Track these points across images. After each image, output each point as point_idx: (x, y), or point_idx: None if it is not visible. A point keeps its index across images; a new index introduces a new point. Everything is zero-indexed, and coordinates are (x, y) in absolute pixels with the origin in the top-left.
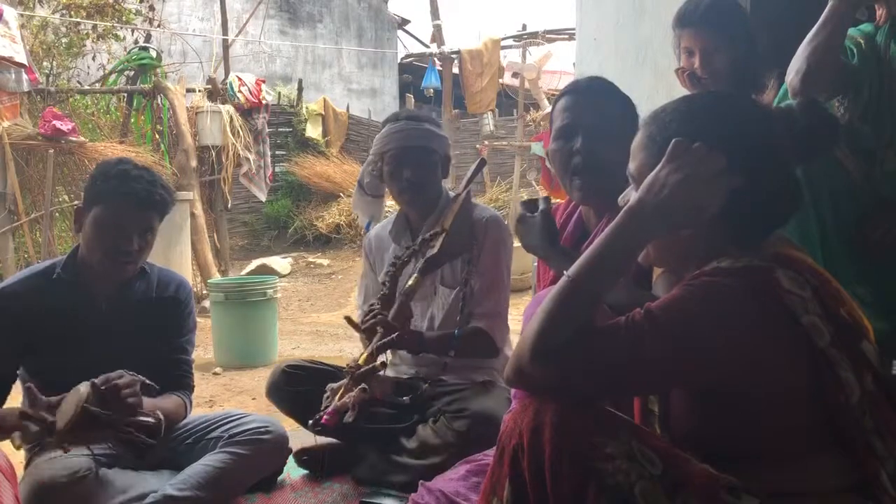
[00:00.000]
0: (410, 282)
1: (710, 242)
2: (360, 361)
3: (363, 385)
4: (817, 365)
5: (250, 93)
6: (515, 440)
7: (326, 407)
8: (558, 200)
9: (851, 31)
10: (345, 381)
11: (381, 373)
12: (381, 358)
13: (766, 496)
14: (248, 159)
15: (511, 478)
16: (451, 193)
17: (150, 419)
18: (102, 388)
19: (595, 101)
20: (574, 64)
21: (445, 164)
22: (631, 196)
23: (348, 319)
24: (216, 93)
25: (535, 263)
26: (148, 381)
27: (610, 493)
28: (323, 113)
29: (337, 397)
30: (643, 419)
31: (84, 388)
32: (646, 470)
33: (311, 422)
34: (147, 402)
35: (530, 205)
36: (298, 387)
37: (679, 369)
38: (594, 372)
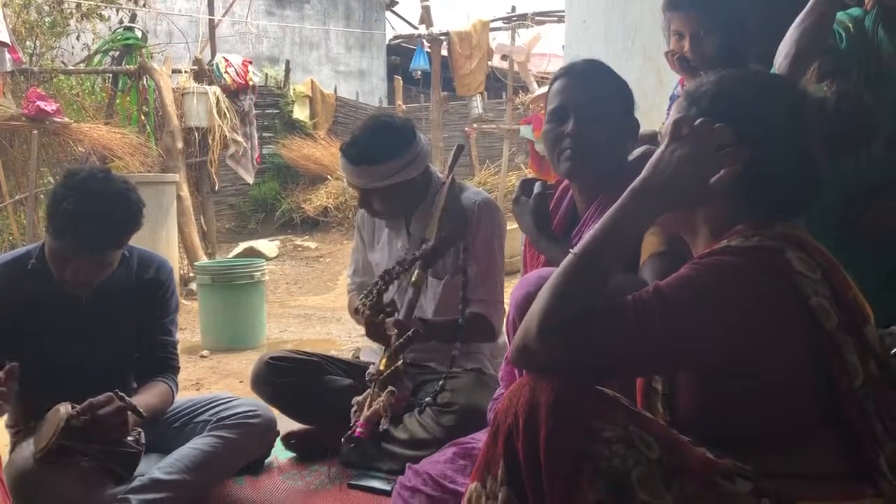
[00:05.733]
0: (413, 278)
1: (722, 216)
2: (381, 367)
3: (391, 388)
4: (824, 347)
5: (237, 74)
6: (511, 419)
7: (356, 420)
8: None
9: (840, 16)
10: (370, 390)
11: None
12: (401, 359)
13: (764, 477)
14: (234, 141)
15: (505, 457)
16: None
17: (131, 448)
18: (83, 417)
19: (588, 85)
20: (563, 46)
21: (414, 176)
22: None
23: (359, 312)
24: (202, 74)
25: (523, 247)
26: (137, 407)
27: (605, 477)
28: (310, 95)
29: (366, 408)
30: (646, 398)
31: (63, 409)
32: (643, 455)
33: (343, 439)
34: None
35: (527, 186)
36: (283, 378)
37: (687, 348)
38: (601, 349)
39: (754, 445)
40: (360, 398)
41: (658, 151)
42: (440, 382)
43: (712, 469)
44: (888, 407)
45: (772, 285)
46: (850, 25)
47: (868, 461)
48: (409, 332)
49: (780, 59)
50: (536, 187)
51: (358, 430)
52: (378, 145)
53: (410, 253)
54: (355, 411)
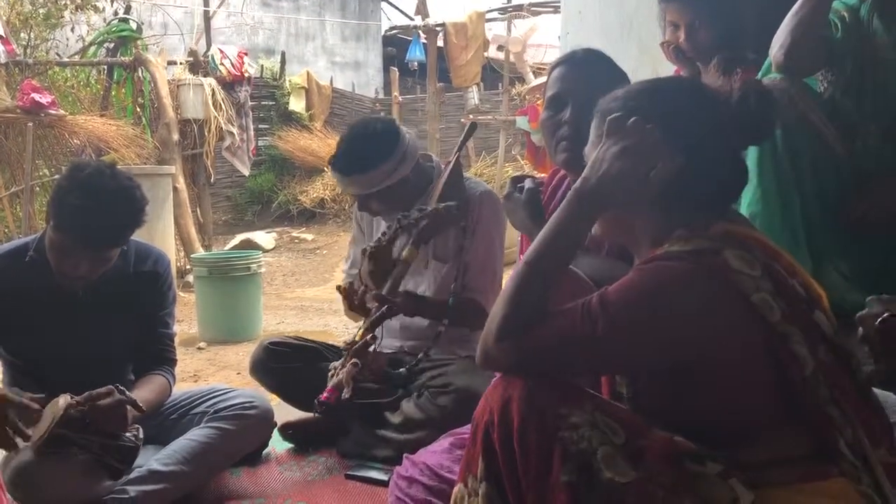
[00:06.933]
0: (405, 254)
1: (659, 224)
2: (356, 338)
3: (354, 360)
4: (771, 341)
5: (232, 66)
6: (487, 417)
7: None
8: (543, 175)
9: (835, 5)
10: (343, 358)
11: (374, 346)
12: (376, 332)
13: (732, 466)
14: (230, 133)
15: (484, 453)
16: (442, 165)
17: (129, 442)
18: (83, 408)
19: (587, 74)
20: (559, 37)
21: (407, 174)
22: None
23: (340, 289)
24: (198, 65)
25: (519, 238)
26: (135, 400)
27: (573, 459)
28: (306, 86)
29: (335, 375)
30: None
31: (63, 400)
32: (608, 437)
33: (316, 401)
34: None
35: (518, 181)
36: (282, 363)
37: (632, 352)
38: (551, 353)
39: (720, 438)
40: (336, 363)
41: (596, 152)
42: (415, 361)
43: (680, 451)
44: (843, 391)
45: (711, 286)
46: (846, 14)
47: (829, 446)
48: (385, 307)
49: (776, 49)
50: (527, 182)
51: (324, 394)
52: (365, 153)
53: (416, 209)
54: (331, 375)
